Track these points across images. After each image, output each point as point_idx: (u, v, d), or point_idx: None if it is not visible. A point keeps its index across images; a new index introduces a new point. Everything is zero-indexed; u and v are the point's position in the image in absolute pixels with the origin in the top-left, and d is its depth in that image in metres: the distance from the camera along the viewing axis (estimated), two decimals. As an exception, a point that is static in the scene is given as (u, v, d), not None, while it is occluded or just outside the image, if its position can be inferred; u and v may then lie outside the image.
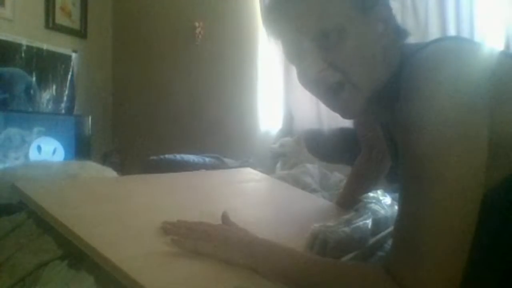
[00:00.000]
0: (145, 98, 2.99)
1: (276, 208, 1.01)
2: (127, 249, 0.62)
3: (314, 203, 1.10)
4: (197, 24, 2.70)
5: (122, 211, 0.79)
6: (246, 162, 1.83)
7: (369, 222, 0.80)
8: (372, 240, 0.84)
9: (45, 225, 0.72)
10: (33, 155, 2.21)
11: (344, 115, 0.69)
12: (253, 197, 1.09)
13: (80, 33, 2.92)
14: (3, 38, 2.43)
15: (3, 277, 0.62)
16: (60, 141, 2.40)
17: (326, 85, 0.65)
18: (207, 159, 1.88)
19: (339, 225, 0.75)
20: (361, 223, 0.78)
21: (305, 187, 1.36)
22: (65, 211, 0.72)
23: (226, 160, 1.90)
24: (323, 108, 2.50)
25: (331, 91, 0.65)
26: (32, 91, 2.55)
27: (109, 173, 1.25)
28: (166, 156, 1.92)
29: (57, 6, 2.74)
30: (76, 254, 0.63)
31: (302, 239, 0.73)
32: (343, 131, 2.16)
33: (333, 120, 2.19)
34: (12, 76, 2.43)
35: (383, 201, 0.93)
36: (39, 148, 2.28)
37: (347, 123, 2.22)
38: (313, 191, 1.34)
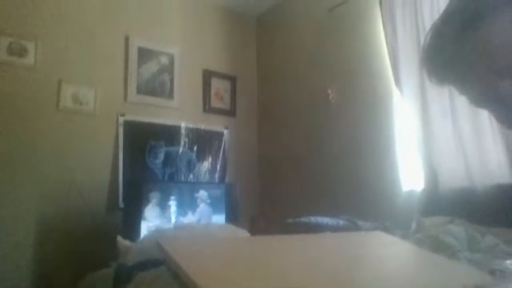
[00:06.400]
0: (286, 164, 3.19)
1: (399, 277, 0.93)
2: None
3: (448, 270, 0.97)
4: (329, 91, 2.83)
5: (247, 272, 0.85)
6: (381, 225, 1.73)
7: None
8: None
9: (179, 279, 0.83)
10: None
11: None
12: (375, 263, 1.03)
13: (230, 112, 3.39)
14: (173, 123, 3.01)
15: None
16: (214, 206, 2.72)
17: None
18: (340, 222, 1.85)
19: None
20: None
21: (446, 248, 1.21)
22: (195, 266, 0.82)
23: (360, 223, 1.83)
24: (474, 160, 2.16)
25: None
26: (192, 165, 3.03)
27: (242, 233, 1.38)
28: (302, 219, 1.97)
29: (212, 93, 3.29)
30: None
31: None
32: (501, 188, 1.85)
33: (486, 175, 1.91)
34: (177, 154, 2.96)
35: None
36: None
37: (506, 179, 1.90)
38: (456, 252, 1.18)
